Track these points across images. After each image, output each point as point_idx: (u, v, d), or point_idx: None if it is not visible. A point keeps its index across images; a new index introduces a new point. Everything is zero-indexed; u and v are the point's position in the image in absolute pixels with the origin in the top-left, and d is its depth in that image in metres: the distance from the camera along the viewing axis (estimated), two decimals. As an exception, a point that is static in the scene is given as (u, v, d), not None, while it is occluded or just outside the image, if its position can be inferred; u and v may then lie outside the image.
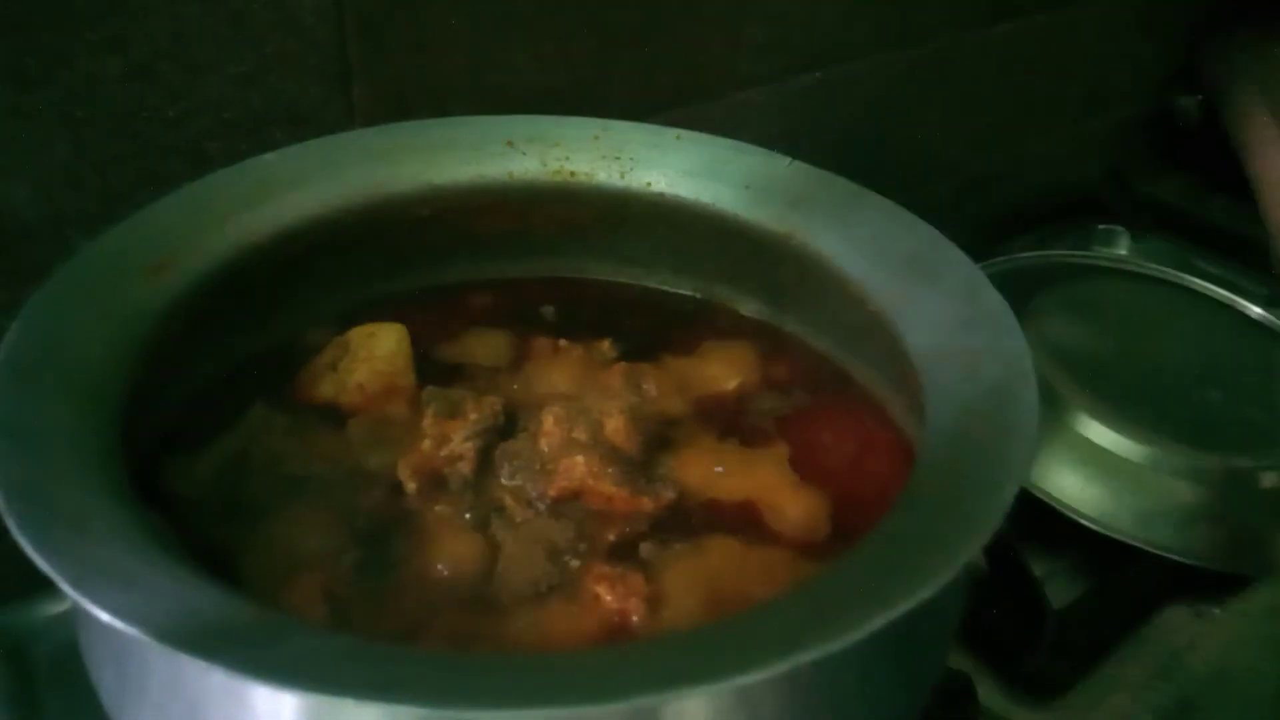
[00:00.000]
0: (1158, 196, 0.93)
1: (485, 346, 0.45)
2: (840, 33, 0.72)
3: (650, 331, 0.46)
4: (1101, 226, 0.77)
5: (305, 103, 0.51)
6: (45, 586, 0.46)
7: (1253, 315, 0.69)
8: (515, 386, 0.43)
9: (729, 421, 0.42)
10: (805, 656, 0.23)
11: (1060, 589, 0.51)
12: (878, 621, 0.23)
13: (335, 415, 0.40)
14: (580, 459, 0.38)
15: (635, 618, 0.33)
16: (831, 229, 0.41)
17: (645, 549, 0.36)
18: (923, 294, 0.37)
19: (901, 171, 0.73)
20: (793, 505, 0.37)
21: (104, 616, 0.22)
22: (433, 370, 0.43)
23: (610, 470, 0.38)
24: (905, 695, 0.30)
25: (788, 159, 0.43)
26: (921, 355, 0.35)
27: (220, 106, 0.49)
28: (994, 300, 0.35)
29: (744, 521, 0.38)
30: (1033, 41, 0.86)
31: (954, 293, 0.36)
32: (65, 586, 0.23)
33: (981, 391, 0.31)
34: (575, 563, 0.36)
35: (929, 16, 0.77)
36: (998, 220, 0.83)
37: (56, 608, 0.46)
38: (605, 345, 0.45)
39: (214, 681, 0.25)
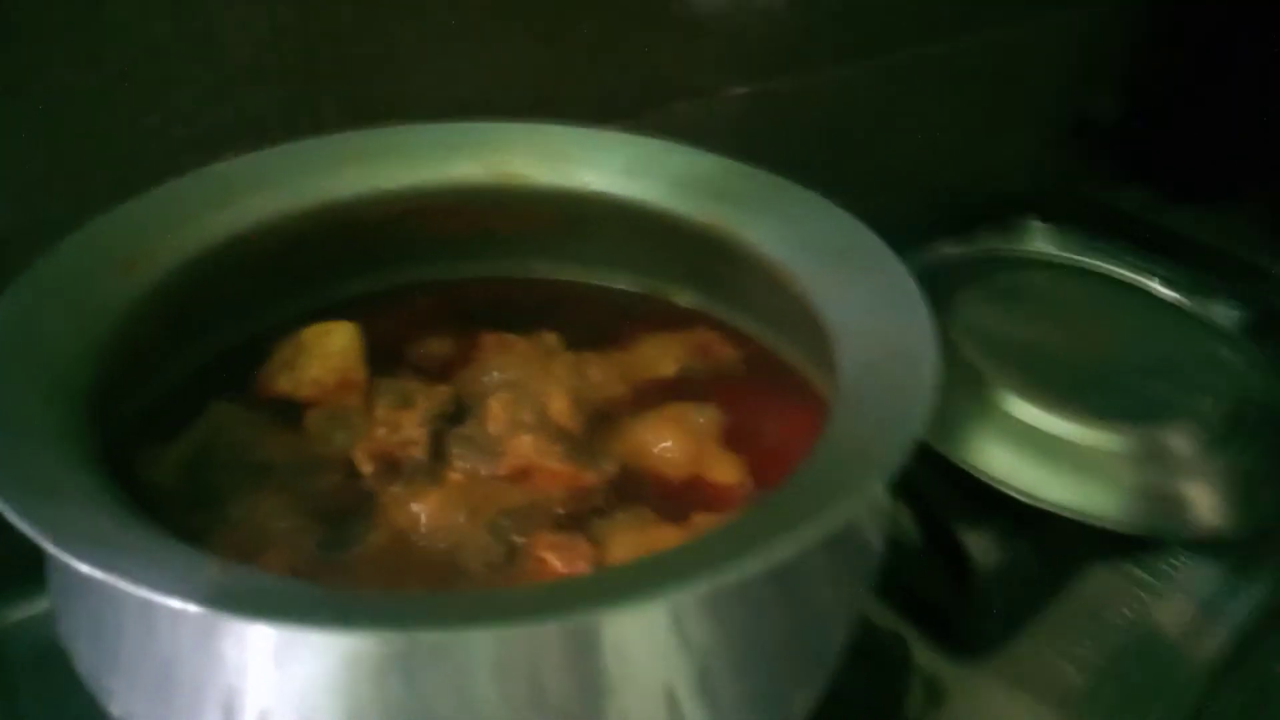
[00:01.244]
0: (1096, 201, 0.96)
1: (433, 343, 0.47)
2: (798, 45, 0.74)
3: (592, 325, 0.48)
4: (1026, 223, 0.81)
5: (272, 116, 0.52)
6: (19, 587, 0.48)
7: (1165, 299, 0.73)
8: (463, 379, 0.45)
9: (666, 401, 0.44)
10: (728, 576, 0.25)
11: (991, 557, 0.54)
12: (790, 547, 0.26)
13: (293, 409, 0.43)
14: (527, 438, 0.40)
15: (583, 580, 0.36)
16: (756, 219, 0.44)
17: (590, 519, 0.39)
18: (840, 276, 0.40)
19: (859, 181, 0.76)
20: (722, 470, 0.40)
21: (83, 568, 0.24)
22: (384, 367, 0.45)
23: (556, 448, 0.40)
24: (825, 630, 0.33)
25: (714, 155, 0.46)
26: (837, 329, 0.38)
27: (191, 119, 0.50)
28: (904, 278, 0.38)
29: (680, 488, 0.40)
30: (975, 52, 0.89)
31: (869, 274, 0.39)
32: (47, 544, 0.25)
33: (889, 356, 0.34)
34: (524, 536, 0.38)
35: (885, 30, 0.80)
36: (953, 228, 0.86)
37: (31, 609, 0.48)
38: (550, 338, 0.47)
39: (184, 634, 0.28)
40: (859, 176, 0.71)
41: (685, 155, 0.46)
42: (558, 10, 0.61)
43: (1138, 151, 1.03)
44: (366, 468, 0.40)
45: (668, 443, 0.42)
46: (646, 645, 0.29)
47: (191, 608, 0.23)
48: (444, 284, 0.50)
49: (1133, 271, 0.76)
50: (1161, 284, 0.75)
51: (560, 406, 0.42)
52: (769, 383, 0.45)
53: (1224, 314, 0.73)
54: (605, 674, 0.28)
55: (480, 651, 0.26)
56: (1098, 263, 0.77)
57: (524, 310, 0.49)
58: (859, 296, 0.39)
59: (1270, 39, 0.95)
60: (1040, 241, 0.80)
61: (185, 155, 0.50)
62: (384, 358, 0.45)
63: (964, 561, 0.51)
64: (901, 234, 0.41)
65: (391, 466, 0.40)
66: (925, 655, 0.50)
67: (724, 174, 0.45)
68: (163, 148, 0.50)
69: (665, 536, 0.38)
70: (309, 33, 0.52)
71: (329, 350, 0.44)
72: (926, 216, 0.89)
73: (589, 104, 0.64)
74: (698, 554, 0.28)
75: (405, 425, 0.41)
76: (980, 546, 0.54)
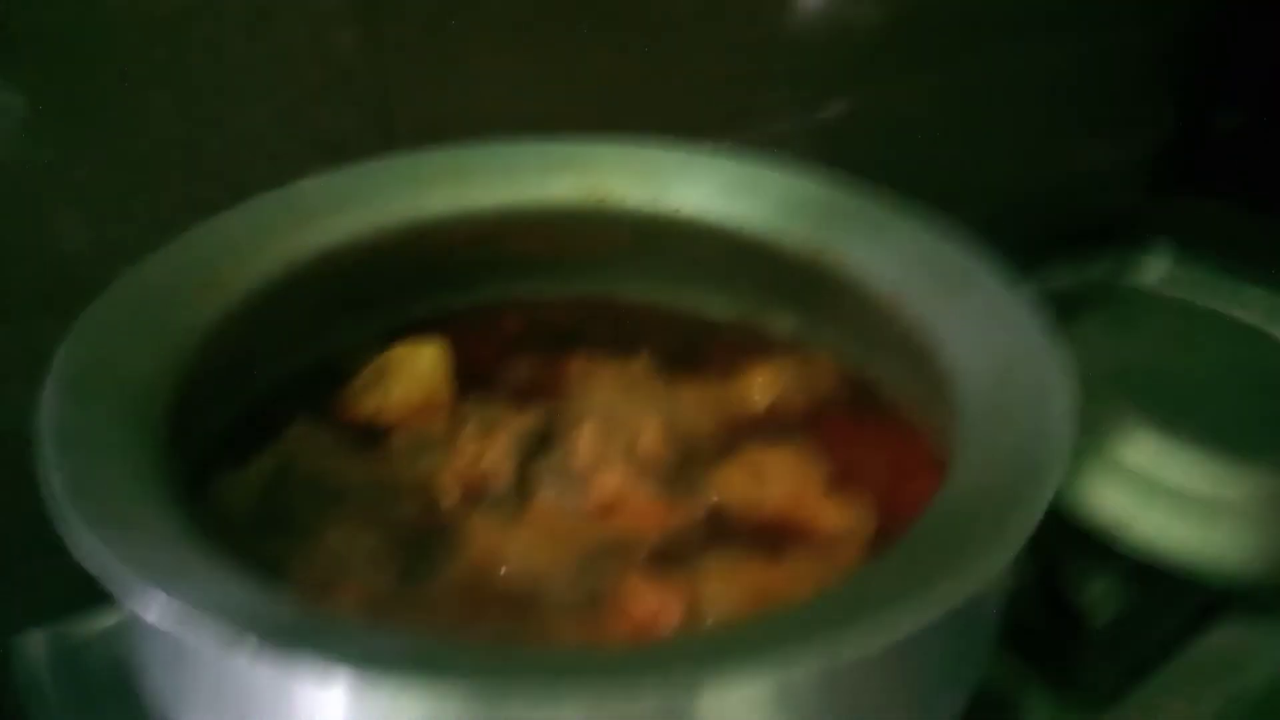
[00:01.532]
0: (1196, 217, 0.92)
1: (520, 366, 0.46)
2: (868, 58, 0.72)
3: (683, 351, 0.46)
4: (1140, 249, 0.77)
5: (344, 134, 0.52)
6: (98, 600, 0.47)
7: (1291, 336, 0.69)
8: (551, 404, 0.43)
9: (762, 437, 0.42)
10: (843, 653, 0.23)
11: (1104, 608, 0.51)
12: (911, 623, 0.23)
13: (376, 432, 0.41)
14: (617, 471, 0.38)
15: (674, 624, 0.33)
16: (862, 244, 0.41)
17: (682, 557, 0.37)
18: (955, 306, 0.37)
19: (935, 196, 0.74)
20: (826, 515, 0.38)
21: (151, 618, 0.23)
22: (471, 389, 0.43)
23: (646, 482, 0.38)
24: (944, 701, 0.30)
25: (818, 174, 0.43)
26: (954, 365, 0.35)
27: (263, 138, 0.50)
28: (1025, 309, 0.35)
29: (779, 532, 0.38)
30: (1066, 61, 0.86)
31: (986, 304, 0.36)
32: (123, 589, 0.23)
33: (1015, 398, 0.32)
34: (612, 573, 0.36)
35: (959, 38, 0.77)
36: (1035, 243, 0.83)
37: (109, 621, 0.47)
38: (639, 363, 0.45)
39: (261, 677, 0.26)
40: (933, 191, 0.69)
41: (786, 176, 0.44)
42: (629, 26, 0.60)
43: (1238, 160, 0.98)
44: (450, 496, 0.38)
45: (764, 480, 0.40)
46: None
47: (265, 666, 0.21)
48: (531, 304, 0.48)
49: (1257, 303, 0.71)
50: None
51: (652, 438, 0.40)
52: (873, 419, 0.42)
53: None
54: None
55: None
56: (1219, 293, 0.72)
57: (613, 333, 0.47)
58: (976, 328, 0.36)
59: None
60: (1158, 270, 0.75)
61: (261, 174, 0.49)
62: (470, 378, 0.44)
63: (1081, 615, 0.48)
64: (998, 248, 0.39)
65: (475, 495, 0.38)
66: (1037, 709, 0.46)
67: (828, 195, 0.43)
68: (239, 167, 0.49)
69: (762, 578, 0.36)
70: (382, 52, 0.51)
71: (416, 371, 0.43)
72: (1024, 231, 0.86)
73: (659, 123, 0.61)
74: (808, 621, 0.26)
75: (491, 452, 0.39)
76: (1095, 598, 0.50)
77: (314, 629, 0.23)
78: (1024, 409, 0.31)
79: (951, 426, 0.33)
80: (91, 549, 0.24)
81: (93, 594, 0.47)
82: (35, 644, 0.47)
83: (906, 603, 0.24)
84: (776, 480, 0.40)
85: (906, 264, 0.39)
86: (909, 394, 0.41)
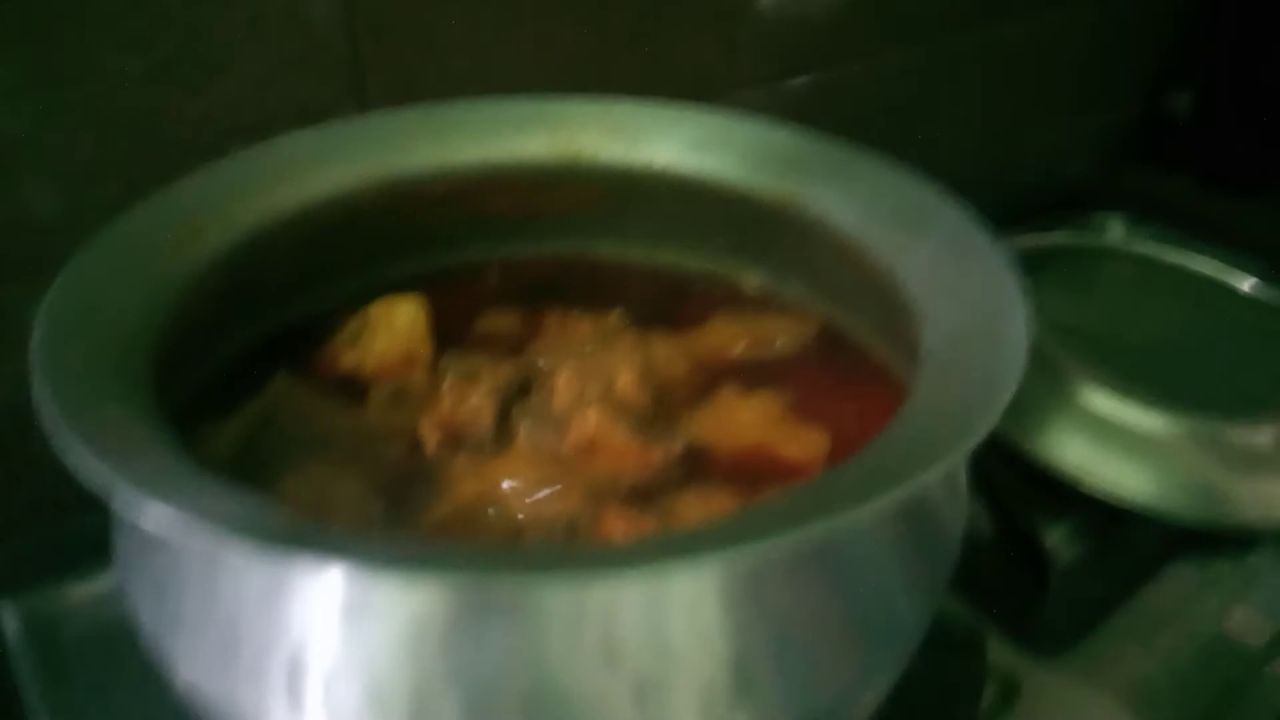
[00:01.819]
0: (1148, 193, 0.94)
1: (499, 321, 0.47)
2: (836, 34, 0.74)
3: (658, 306, 0.47)
4: (1097, 214, 0.79)
5: (318, 103, 0.53)
6: (75, 570, 0.48)
7: (1244, 290, 0.71)
8: (528, 356, 0.44)
9: (735, 382, 0.43)
10: (789, 540, 0.24)
11: (1068, 553, 0.52)
12: (880, 502, 0.24)
13: (357, 385, 0.42)
14: (593, 412, 0.39)
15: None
16: (829, 190, 0.42)
17: (657, 495, 0.38)
18: (917, 243, 0.38)
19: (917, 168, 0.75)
20: (794, 445, 0.39)
21: (164, 519, 0.23)
22: (448, 344, 0.44)
23: (622, 423, 0.39)
24: (903, 616, 0.31)
25: (787, 127, 0.45)
26: (917, 295, 0.36)
27: (237, 107, 0.51)
28: (984, 241, 0.37)
29: (751, 470, 0.39)
30: (1027, 40, 0.88)
31: (947, 238, 0.38)
32: (121, 487, 0.24)
33: (974, 316, 0.33)
34: (590, 510, 0.37)
35: (924, 17, 0.79)
36: (995, 218, 0.84)
37: (85, 590, 0.48)
38: (614, 317, 0.46)
39: (249, 592, 0.27)
40: (912, 164, 0.70)
41: (756, 128, 0.45)
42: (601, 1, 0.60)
43: (1192, 139, 1.00)
44: (432, 439, 0.39)
45: (736, 421, 0.41)
46: (715, 608, 0.27)
47: (261, 552, 0.22)
48: (508, 262, 0.49)
49: (1208, 263, 0.74)
50: (1238, 276, 0.72)
51: (628, 381, 0.41)
52: (841, 362, 0.44)
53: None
54: (670, 637, 0.27)
55: (553, 607, 0.25)
56: (1172, 255, 0.74)
57: (588, 290, 0.48)
58: (938, 260, 0.37)
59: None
60: (1114, 233, 0.77)
61: (232, 142, 0.50)
62: (448, 335, 0.44)
63: (1041, 557, 0.49)
64: None
65: (457, 439, 0.39)
66: (1001, 651, 0.48)
67: (797, 146, 0.44)
68: (210, 134, 0.50)
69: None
70: (354, 20, 0.52)
71: (395, 325, 0.43)
72: (985, 206, 0.88)
73: (629, 91, 0.63)
74: (765, 517, 0.27)
75: (471, 398, 0.40)
76: (1057, 542, 0.52)
77: (309, 533, 0.24)
78: (982, 332, 0.32)
79: (913, 353, 0.34)
80: (91, 464, 0.25)
81: (66, 565, 0.48)
82: (9, 614, 0.47)
83: (856, 500, 0.25)
84: (747, 422, 0.41)
85: (870, 206, 0.41)
86: (875, 332, 0.42)
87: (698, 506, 0.37)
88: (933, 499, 0.33)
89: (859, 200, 0.41)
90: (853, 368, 0.43)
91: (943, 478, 0.32)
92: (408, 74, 0.55)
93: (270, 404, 0.40)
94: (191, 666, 0.28)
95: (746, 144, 0.45)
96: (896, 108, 0.82)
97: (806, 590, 0.28)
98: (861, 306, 0.43)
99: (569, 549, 0.30)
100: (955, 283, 0.35)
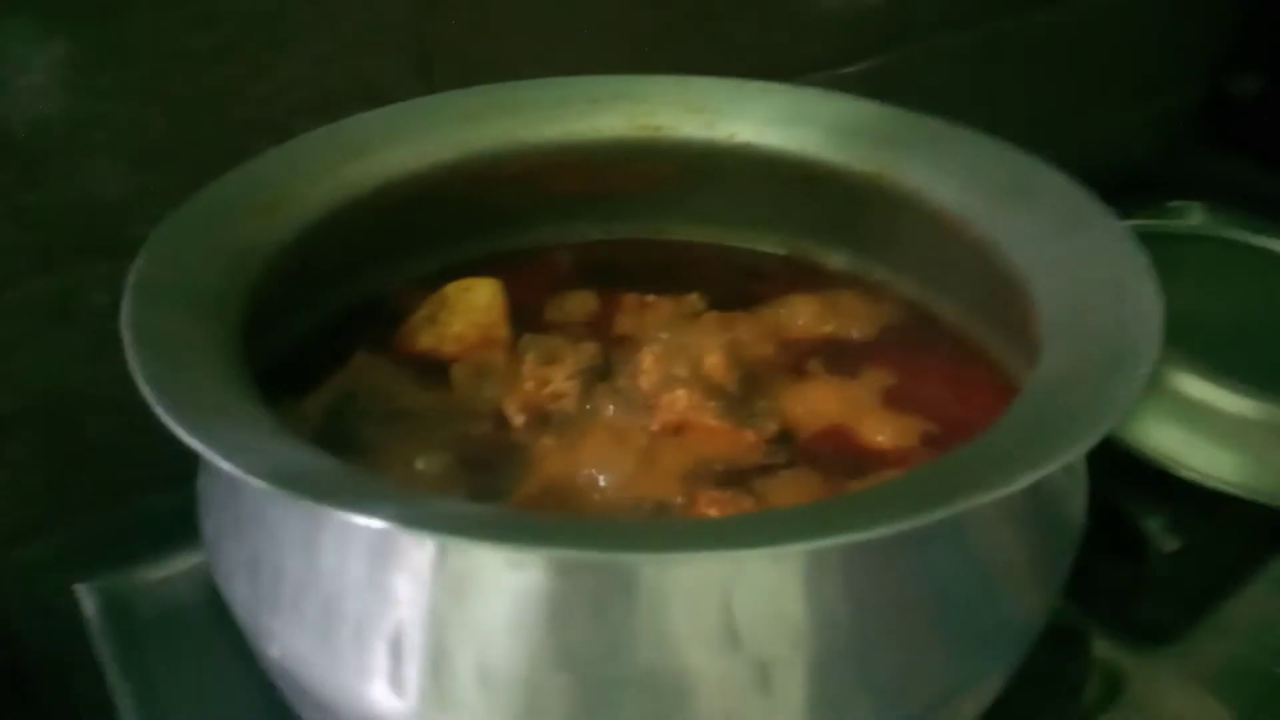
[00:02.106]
0: (1217, 177, 0.92)
1: (576, 303, 0.46)
2: (896, 17, 0.72)
3: (737, 288, 0.46)
4: (1172, 202, 0.77)
5: (383, 82, 0.52)
6: (150, 552, 0.48)
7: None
8: (609, 337, 0.43)
9: (822, 362, 0.42)
10: (902, 524, 0.22)
11: (1170, 542, 0.50)
12: (1012, 485, 0.23)
13: (436, 366, 0.41)
14: (682, 392, 0.38)
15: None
16: (922, 164, 0.41)
17: (750, 478, 0.36)
18: (1022, 215, 0.37)
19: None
20: (888, 433, 0.37)
21: (257, 484, 0.22)
22: (525, 325, 0.43)
23: (711, 404, 0.38)
24: (1023, 607, 0.30)
25: (875, 102, 0.43)
26: (1027, 270, 0.35)
27: (303, 85, 0.50)
28: (1098, 212, 0.35)
29: (844, 451, 0.38)
30: (1087, 22, 0.86)
31: (1055, 209, 0.36)
32: (219, 460, 0.23)
33: (1096, 291, 0.31)
34: (683, 493, 0.36)
35: (981, 2, 0.77)
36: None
37: (160, 572, 0.48)
38: (693, 298, 0.45)
39: (352, 566, 0.26)
40: None
41: (842, 102, 0.44)
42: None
43: (1257, 122, 0.98)
44: (518, 419, 0.38)
45: (826, 405, 0.40)
46: (837, 588, 0.26)
47: (374, 523, 0.21)
48: (585, 243, 0.48)
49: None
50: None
51: (715, 361, 0.39)
52: (933, 344, 0.42)
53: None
54: (790, 617, 0.25)
55: (669, 582, 0.24)
56: (1256, 239, 0.72)
57: (667, 271, 0.47)
58: (1046, 231, 0.36)
59: None
60: (1194, 218, 0.75)
61: (298, 120, 0.49)
62: (525, 316, 0.43)
63: (1142, 546, 0.48)
64: None
65: (542, 419, 0.38)
66: (1104, 645, 0.46)
67: (887, 120, 0.43)
68: (276, 112, 0.49)
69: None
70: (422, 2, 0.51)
71: (473, 306, 0.42)
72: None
73: (693, 72, 0.63)
74: (891, 497, 0.26)
75: (555, 378, 0.39)
76: (1159, 531, 0.50)
77: (420, 507, 0.23)
78: (1106, 307, 0.31)
79: (1020, 333, 0.32)
80: (189, 432, 0.24)
81: (137, 547, 0.48)
82: (88, 596, 0.47)
83: (971, 488, 0.23)
84: (837, 406, 0.40)
85: (970, 179, 0.39)
86: (971, 312, 0.41)
87: (792, 490, 0.36)
88: (1056, 485, 0.32)
89: (957, 174, 0.39)
90: (947, 350, 0.42)
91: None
92: (473, 54, 0.54)
93: (351, 380, 0.39)
94: (289, 641, 0.27)
95: (833, 118, 0.43)
96: (957, 92, 0.80)
97: (929, 574, 0.27)
98: (957, 285, 0.41)
99: (679, 526, 0.28)
100: (1069, 257, 0.34)
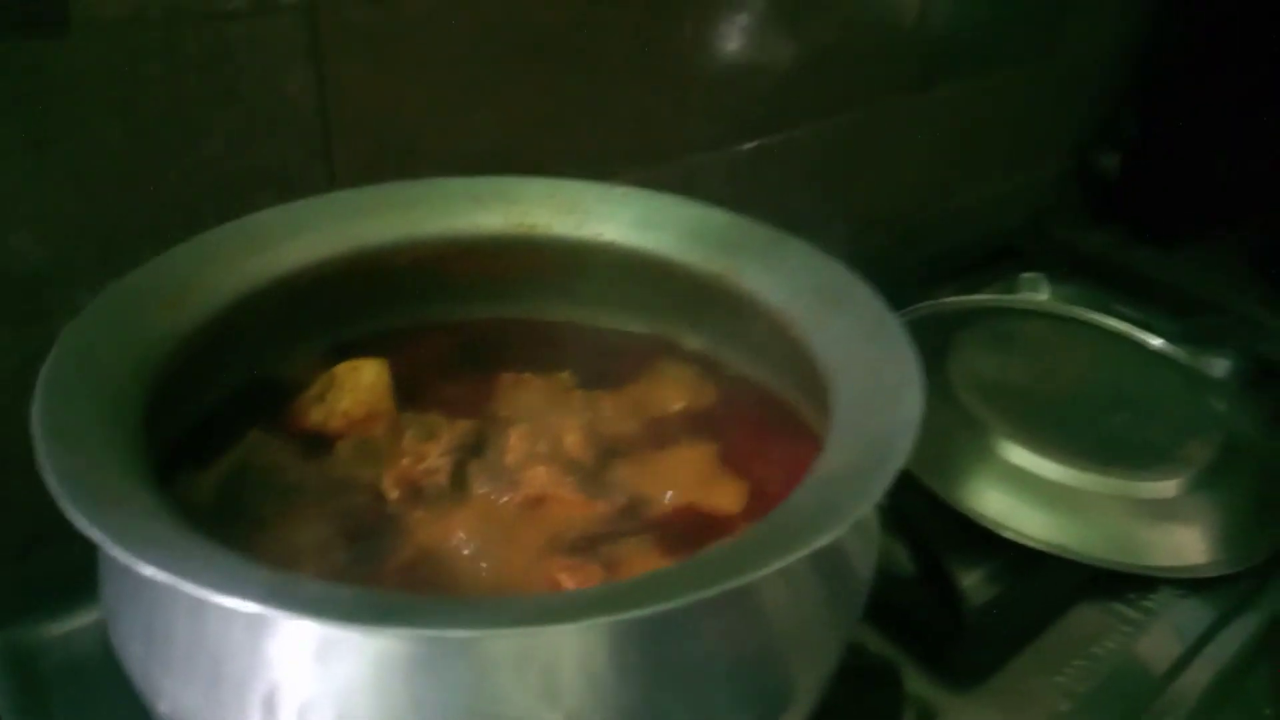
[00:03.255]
0: (1078, 246, 1.01)
1: (456, 380, 0.51)
2: (779, 100, 0.79)
3: (604, 364, 0.51)
4: (1024, 274, 0.85)
5: (290, 165, 0.56)
6: (52, 604, 0.51)
7: (1155, 348, 0.76)
8: (484, 414, 0.48)
9: (674, 436, 0.47)
10: (712, 592, 0.28)
11: (984, 592, 0.57)
12: (777, 562, 0.29)
13: (324, 440, 0.46)
14: (542, 469, 0.43)
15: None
16: (757, 268, 0.47)
17: (600, 545, 0.42)
18: (833, 320, 0.43)
19: (840, 226, 0.80)
20: (725, 501, 0.43)
21: (148, 572, 0.27)
22: (409, 401, 0.48)
23: (569, 479, 0.43)
24: (816, 653, 0.36)
25: (721, 209, 0.49)
26: (830, 365, 0.41)
27: (214, 169, 0.54)
28: (890, 321, 0.41)
29: (686, 519, 0.43)
30: (961, 103, 0.94)
31: (859, 317, 0.42)
32: (114, 550, 0.27)
33: (877, 390, 0.37)
34: (540, 557, 0.41)
35: (861, 83, 0.84)
36: (931, 269, 0.90)
37: (63, 626, 0.51)
38: (564, 376, 0.50)
39: (233, 634, 0.30)
40: (839, 222, 0.75)
41: (693, 209, 0.50)
42: (562, 66, 0.65)
43: (1119, 193, 1.07)
44: (393, 493, 0.43)
45: (673, 475, 0.45)
46: (637, 653, 0.31)
47: (247, 607, 0.26)
48: (467, 324, 0.53)
49: (1124, 321, 0.79)
50: (1152, 333, 0.78)
51: (574, 440, 0.45)
52: (769, 420, 0.48)
53: (1213, 362, 0.76)
54: (598, 678, 0.31)
55: (500, 651, 0.29)
56: (1091, 313, 0.80)
57: (540, 350, 0.52)
58: (849, 336, 0.42)
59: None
60: (1036, 291, 0.83)
61: (210, 201, 0.54)
62: (409, 393, 0.48)
63: (958, 596, 0.54)
64: (897, 274, 0.44)
65: (416, 492, 0.43)
66: (918, 683, 0.52)
67: (729, 227, 0.49)
68: (189, 193, 0.53)
69: (671, 562, 0.41)
70: (326, 89, 0.56)
71: (359, 384, 0.47)
72: (919, 255, 0.94)
73: (585, 154, 0.67)
74: (694, 571, 0.31)
75: (429, 455, 0.44)
76: (974, 583, 0.56)
77: (285, 589, 0.28)
78: (885, 403, 0.37)
79: (826, 419, 0.38)
80: (90, 524, 0.28)
81: (42, 599, 0.51)
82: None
83: (773, 552, 0.29)
84: (683, 476, 0.45)
85: (794, 284, 0.45)
86: (798, 393, 0.47)
87: (636, 556, 0.41)
88: (846, 548, 0.38)
89: (784, 279, 0.45)
90: (779, 426, 0.47)
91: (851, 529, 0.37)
92: (374, 140, 0.59)
93: (245, 455, 0.44)
94: (176, 699, 0.32)
95: (685, 223, 0.49)
96: (838, 167, 0.87)
97: (725, 632, 0.32)
98: (785, 372, 0.47)
99: (510, 603, 0.34)
100: (863, 363, 0.40)
